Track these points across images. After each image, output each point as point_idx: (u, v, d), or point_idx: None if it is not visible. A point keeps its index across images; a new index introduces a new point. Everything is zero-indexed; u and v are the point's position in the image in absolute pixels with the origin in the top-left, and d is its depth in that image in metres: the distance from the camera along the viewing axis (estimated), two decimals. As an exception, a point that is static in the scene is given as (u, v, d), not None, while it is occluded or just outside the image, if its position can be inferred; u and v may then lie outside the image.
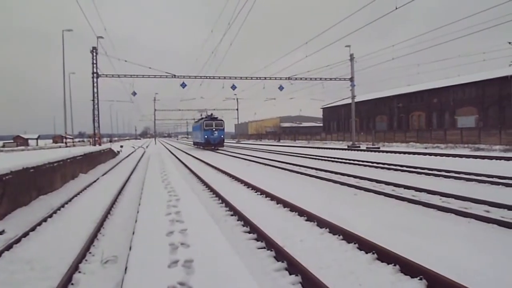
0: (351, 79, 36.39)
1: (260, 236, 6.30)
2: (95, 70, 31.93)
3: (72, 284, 4.70)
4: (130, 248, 5.25)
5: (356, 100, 38.30)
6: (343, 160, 21.41)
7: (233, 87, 37.37)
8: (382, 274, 4.66)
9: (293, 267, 4.81)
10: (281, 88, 37.59)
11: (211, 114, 46.40)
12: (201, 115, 54.90)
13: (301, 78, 36.54)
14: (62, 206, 9.81)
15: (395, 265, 4.75)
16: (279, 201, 9.39)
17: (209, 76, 36.15)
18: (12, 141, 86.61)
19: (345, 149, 34.04)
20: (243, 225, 7.27)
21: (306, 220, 7.51)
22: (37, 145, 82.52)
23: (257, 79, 36.80)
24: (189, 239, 5.53)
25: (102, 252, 5.77)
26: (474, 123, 43.33)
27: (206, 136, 41.43)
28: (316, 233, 6.62)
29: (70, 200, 10.70)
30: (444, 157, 21.46)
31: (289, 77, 36.35)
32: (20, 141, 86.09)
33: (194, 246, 5.17)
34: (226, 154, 33.01)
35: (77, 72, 43.31)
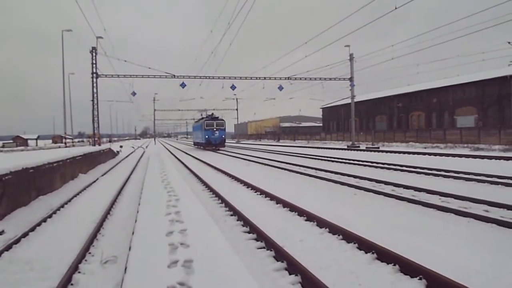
0: (351, 79, 36.41)
1: (260, 236, 6.30)
2: (94, 70, 31.93)
3: (71, 284, 4.70)
4: (129, 248, 5.24)
5: (355, 100, 38.31)
6: (343, 160, 21.41)
7: (233, 87, 37.38)
8: (381, 274, 4.67)
9: (293, 267, 4.81)
10: (280, 88, 37.62)
11: (212, 114, 45.69)
12: (201, 114, 54.27)
13: (300, 78, 36.58)
14: (62, 206, 9.80)
15: (394, 265, 4.75)
16: (278, 201, 9.39)
17: (209, 76, 36.17)
18: (11, 141, 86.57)
19: (344, 149, 34.04)
20: (243, 225, 7.28)
21: (306, 220, 7.52)
22: (36, 145, 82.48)
23: (256, 79, 36.83)
24: (188, 239, 5.52)
25: (101, 252, 5.77)
26: (473, 123, 43.35)
27: (207, 136, 40.72)
28: (315, 233, 6.63)
29: (69, 200, 10.69)
30: (443, 157, 21.47)
31: (288, 77, 36.37)
32: (20, 142, 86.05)
33: (193, 246, 5.17)
34: (226, 154, 33.01)
35: (77, 72, 43.34)
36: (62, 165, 13.53)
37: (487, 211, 7.73)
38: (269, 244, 5.79)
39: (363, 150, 31.31)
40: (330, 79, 37.10)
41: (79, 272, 5.03)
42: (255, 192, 11.28)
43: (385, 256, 5.04)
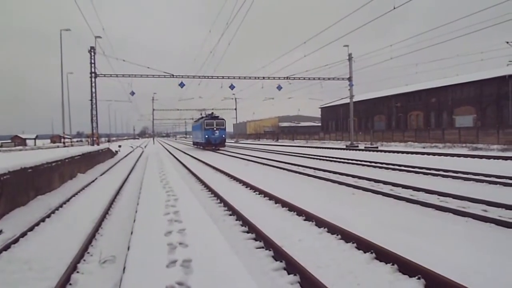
0: (350, 79, 36.42)
1: (259, 235, 6.30)
2: (93, 70, 31.87)
3: (70, 284, 4.69)
4: (128, 248, 5.25)
5: (354, 99, 38.35)
6: (342, 160, 21.42)
7: (232, 87, 37.32)
8: (380, 273, 4.67)
9: (292, 266, 4.81)
10: (279, 87, 37.61)
11: (212, 113, 44.85)
12: (201, 114, 53.37)
13: (299, 78, 36.59)
14: (60, 206, 9.79)
15: (393, 265, 4.76)
16: (277, 200, 9.39)
17: (208, 76, 36.15)
18: (10, 141, 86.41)
19: (343, 149, 34.06)
20: (242, 225, 7.27)
21: (305, 220, 7.52)
22: (35, 145, 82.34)
23: (255, 78, 36.83)
24: (187, 239, 5.53)
25: (100, 252, 5.76)
26: (472, 123, 43.42)
27: (206, 136, 39.94)
28: (314, 232, 6.63)
29: (68, 200, 10.68)
30: (442, 156, 21.50)
31: (287, 77, 36.37)
32: (18, 141, 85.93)
33: (192, 246, 5.17)
34: (225, 154, 33.00)
35: (75, 72, 43.38)
36: (60, 165, 13.51)
37: (485, 210, 7.74)
38: (268, 244, 5.79)
39: (362, 150, 31.34)
40: (329, 79, 37.11)
41: (77, 272, 5.03)
42: (254, 191, 11.28)
43: (383, 255, 5.04)
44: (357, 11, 19.64)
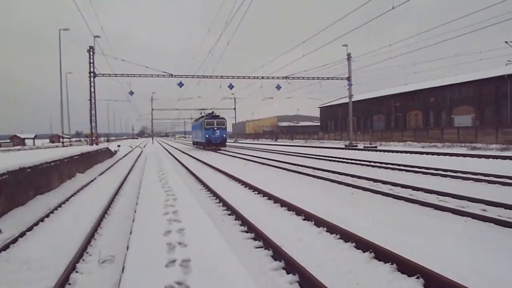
0: (349, 79, 36.44)
1: (258, 235, 6.30)
2: (92, 70, 31.83)
3: (69, 284, 4.68)
4: (127, 248, 5.24)
5: (353, 99, 38.39)
6: (341, 159, 21.43)
7: (231, 87, 37.25)
8: (379, 273, 4.67)
9: (291, 266, 4.81)
10: (278, 87, 37.59)
11: (212, 112, 43.81)
12: (201, 113, 52.28)
13: (298, 78, 36.59)
14: (59, 205, 9.78)
15: (392, 264, 4.76)
16: (276, 200, 9.39)
17: (207, 76, 36.12)
18: (8, 140, 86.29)
19: (342, 148, 34.07)
20: (241, 225, 7.27)
21: (304, 219, 7.52)
22: (34, 144, 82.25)
23: (254, 78, 36.81)
24: (186, 238, 5.53)
25: (99, 251, 5.76)
26: (470, 122, 43.45)
27: (207, 136, 39.01)
28: (313, 232, 6.63)
29: (67, 199, 10.67)
30: (441, 156, 21.53)
31: (286, 77, 36.38)
32: (17, 141, 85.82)
33: (191, 246, 5.17)
34: (224, 153, 32.99)
35: (74, 71, 43.45)
36: (59, 165, 13.50)
37: (484, 210, 7.75)
38: (267, 244, 5.79)
39: (361, 150, 31.35)
40: (328, 78, 37.13)
41: (76, 272, 5.02)
42: (253, 191, 11.28)
43: (382, 255, 5.05)
44: (356, 10, 19.65)
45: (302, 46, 28.77)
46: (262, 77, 36.65)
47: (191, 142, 60.80)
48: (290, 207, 8.45)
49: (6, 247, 6.13)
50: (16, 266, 5.30)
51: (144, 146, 59.23)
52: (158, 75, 34.64)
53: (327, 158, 22.81)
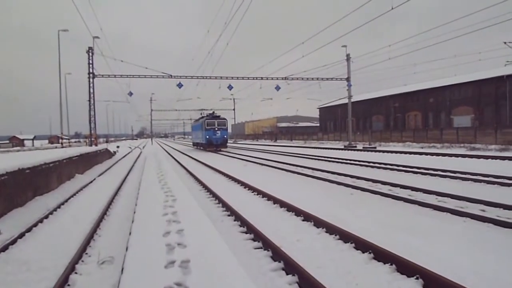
0: (348, 79, 36.47)
1: (257, 236, 6.30)
2: (91, 71, 31.82)
3: (68, 285, 4.68)
4: (126, 249, 5.24)
5: (352, 100, 38.40)
6: (340, 160, 21.44)
7: (230, 87, 37.27)
8: (378, 273, 4.68)
9: (290, 267, 4.81)
10: (277, 88, 37.60)
11: (213, 112, 42.91)
12: (201, 113, 51.15)
13: (297, 78, 36.60)
14: (58, 207, 9.77)
15: (391, 265, 4.77)
16: (275, 201, 9.39)
17: (206, 76, 36.10)
18: (7, 141, 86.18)
19: (341, 149, 34.10)
20: (240, 225, 7.27)
21: (303, 220, 7.52)
22: (33, 145, 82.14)
23: (253, 79, 36.83)
24: (186, 239, 5.52)
25: (98, 253, 5.75)
26: (470, 123, 43.50)
27: (207, 136, 38.05)
28: (313, 233, 6.63)
29: (66, 200, 10.66)
30: (440, 156, 21.54)
31: (285, 77, 36.38)
32: (16, 142, 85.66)
33: (191, 247, 5.17)
34: (223, 154, 32.98)
35: (74, 72, 43.25)
36: (58, 166, 13.48)
37: (483, 210, 7.76)
38: (266, 244, 5.79)
39: (360, 150, 31.36)
40: (327, 79, 37.16)
41: (75, 273, 5.02)
42: (253, 192, 11.28)
43: (382, 256, 5.05)
44: (356, 11, 19.67)
45: (301, 47, 28.85)
46: (261, 78, 36.66)
47: (191, 143, 60.38)
48: (290, 208, 8.45)
49: (5, 248, 6.12)
50: (15, 267, 5.30)
51: (143, 147, 59.19)
52: (157, 76, 34.63)
53: (326, 158, 22.82)
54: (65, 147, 37.85)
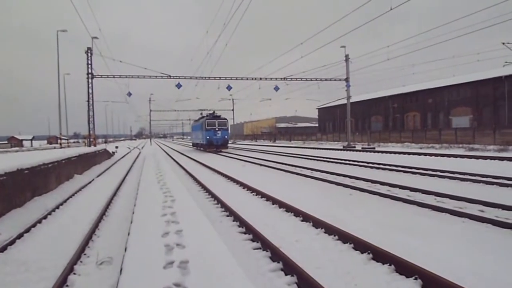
0: (347, 80, 36.48)
1: (256, 236, 6.30)
2: (89, 71, 31.78)
3: (67, 285, 4.67)
4: (125, 249, 5.23)
5: (351, 100, 38.41)
6: (339, 161, 21.46)
7: (229, 88, 37.26)
8: (377, 274, 4.68)
9: (289, 267, 4.81)
10: (276, 88, 37.58)
11: (213, 112, 41.77)
12: (201, 113, 50.09)
13: (296, 79, 36.59)
14: (57, 207, 9.75)
15: (390, 265, 4.77)
16: (274, 201, 9.39)
17: (205, 77, 36.08)
18: (6, 142, 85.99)
19: (340, 150, 34.11)
20: (239, 226, 7.27)
21: (302, 221, 7.52)
22: (31, 146, 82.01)
23: (252, 79, 36.80)
24: (184, 240, 5.52)
25: (97, 253, 5.74)
26: (468, 123, 43.60)
27: (208, 137, 36.98)
28: (311, 233, 6.63)
29: (65, 201, 10.64)
30: (439, 157, 21.56)
31: (284, 78, 36.36)
32: (14, 142, 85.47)
33: (189, 247, 5.17)
34: (222, 155, 32.97)
35: (73, 72, 43.17)
36: (57, 166, 13.46)
37: (482, 211, 7.77)
38: (265, 245, 5.79)
39: (359, 151, 31.36)
40: (326, 79, 37.17)
41: (74, 274, 5.01)
42: (251, 192, 11.28)
43: (380, 256, 5.06)
44: (354, 12, 19.70)
45: (301, 47, 28.75)
46: (260, 78, 36.64)
47: (191, 144, 59.89)
48: (289, 208, 8.45)
49: (3, 248, 6.11)
50: (14, 268, 5.29)
51: (142, 148, 59.14)
52: (156, 76, 34.59)
53: (325, 159, 22.83)
54: (63, 147, 37.81)
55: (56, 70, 33.55)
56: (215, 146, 37.27)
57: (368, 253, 5.23)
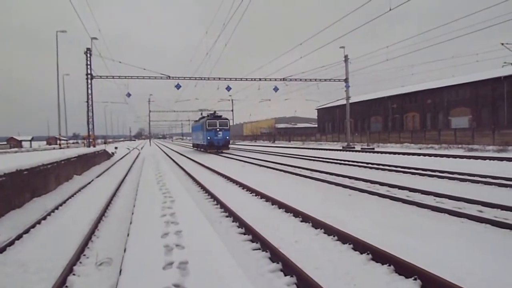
0: (346, 80, 36.52)
1: (255, 237, 6.30)
2: (89, 72, 31.78)
3: (66, 286, 4.67)
4: (125, 250, 5.23)
5: (351, 101, 38.45)
6: (338, 161, 21.46)
7: (228, 88, 37.26)
8: (377, 274, 4.69)
9: (288, 268, 4.81)
10: (276, 89, 37.56)
11: (214, 112, 40.93)
12: (201, 113, 48.98)
13: (296, 79, 36.61)
14: (56, 208, 9.74)
15: (389, 266, 4.78)
16: (274, 202, 9.39)
17: (204, 77, 36.07)
18: (5, 143, 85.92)
19: (340, 150, 34.13)
20: (238, 226, 7.27)
21: (301, 221, 7.52)
22: (30, 147, 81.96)
23: (252, 80, 36.81)
24: (184, 240, 5.52)
25: (97, 254, 5.74)
26: (467, 124, 43.65)
27: (209, 138, 36.17)
28: (311, 234, 6.64)
29: (64, 202, 10.63)
30: (438, 157, 21.58)
31: (284, 78, 36.37)
32: (14, 143, 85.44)
33: (189, 248, 5.17)
34: (222, 155, 32.96)
35: (73, 73, 43.21)
36: (56, 167, 13.45)
37: (481, 211, 7.78)
38: (265, 245, 5.79)
39: (358, 151, 31.38)
40: (326, 80, 37.20)
41: (73, 274, 5.01)
42: (251, 193, 11.28)
43: (380, 256, 5.06)
44: (353, 12, 19.71)
45: (300, 48, 28.76)
46: (260, 79, 36.66)
47: (191, 145, 59.43)
48: (288, 209, 8.45)
49: (3, 249, 6.11)
50: (13, 269, 5.28)
51: (142, 148, 59.10)
52: (155, 77, 34.58)
53: (324, 159, 22.84)
54: (63, 148, 37.78)
55: (55, 70, 33.58)
56: (216, 146, 36.59)
57: (368, 254, 5.24)
